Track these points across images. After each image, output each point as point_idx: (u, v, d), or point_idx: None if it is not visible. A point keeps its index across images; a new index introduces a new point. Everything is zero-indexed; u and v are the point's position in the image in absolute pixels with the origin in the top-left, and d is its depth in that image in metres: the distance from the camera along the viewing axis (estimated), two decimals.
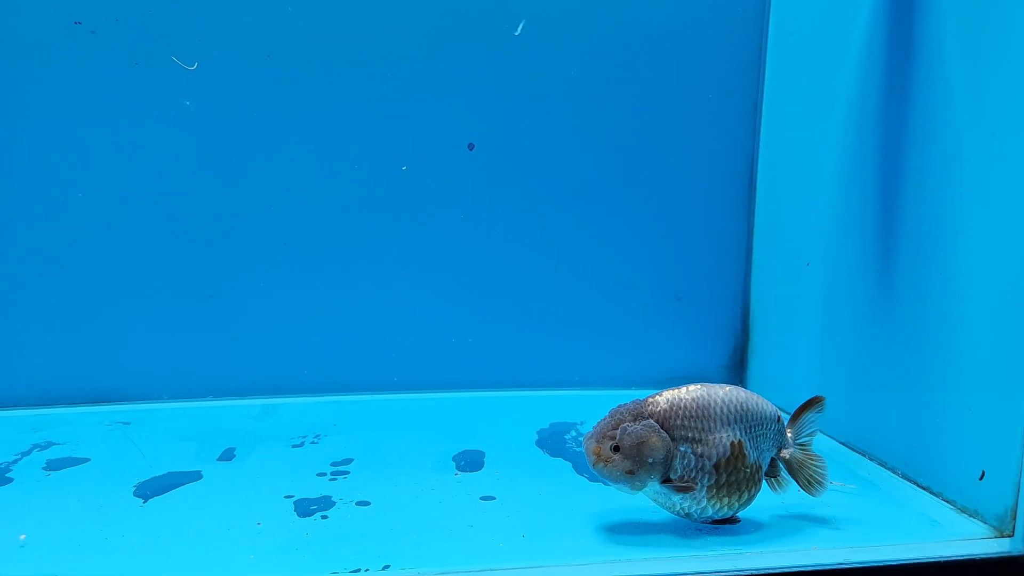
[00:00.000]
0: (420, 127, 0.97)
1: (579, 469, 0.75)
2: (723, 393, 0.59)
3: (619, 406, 0.60)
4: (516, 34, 0.81)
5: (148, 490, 0.68)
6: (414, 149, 0.97)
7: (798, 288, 0.92)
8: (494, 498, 0.67)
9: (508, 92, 0.98)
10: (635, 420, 0.58)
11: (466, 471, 0.73)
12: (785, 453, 0.63)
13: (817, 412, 0.64)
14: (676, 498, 0.58)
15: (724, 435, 0.58)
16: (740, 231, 1.04)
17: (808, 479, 0.63)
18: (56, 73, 0.89)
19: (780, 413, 0.63)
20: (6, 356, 0.91)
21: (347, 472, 0.73)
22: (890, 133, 0.76)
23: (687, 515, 0.60)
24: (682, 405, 0.58)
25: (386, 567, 0.54)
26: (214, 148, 0.93)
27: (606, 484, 0.59)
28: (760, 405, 0.61)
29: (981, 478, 0.63)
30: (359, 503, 0.65)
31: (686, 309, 1.04)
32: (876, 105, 0.78)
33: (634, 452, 0.57)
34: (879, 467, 0.75)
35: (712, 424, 0.58)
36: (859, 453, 0.79)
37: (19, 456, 0.76)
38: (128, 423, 0.88)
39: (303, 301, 0.97)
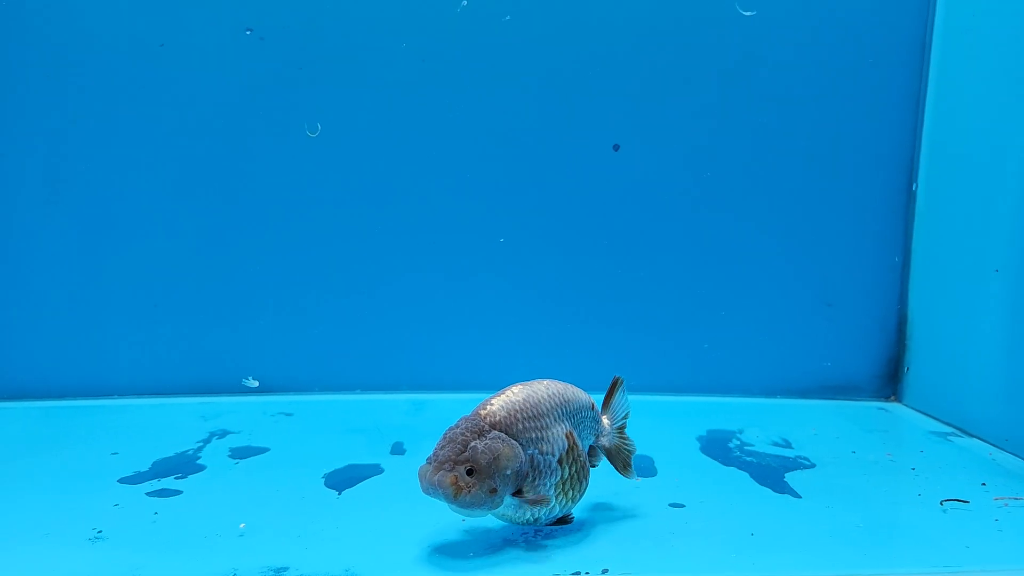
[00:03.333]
0: (565, 128, 0.97)
1: (759, 479, 0.73)
2: (544, 388, 0.58)
3: (451, 428, 0.55)
4: (746, 15, 0.79)
5: (337, 481, 0.69)
6: (559, 150, 0.97)
7: (977, 295, 0.88)
8: (684, 505, 0.66)
9: (653, 91, 0.97)
10: (479, 436, 0.54)
11: (643, 476, 0.73)
12: (604, 440, 0.63)
13: (622, 393, 0.65)
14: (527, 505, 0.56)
15: (559, 429, 0.57)
16: (897, 233, 1.01)
17: (624, 463, 0.64)
18: (227, 77, 0.92)
19: (592, 401, 0.62)
20: (175, 346, 0.94)
21: None
22: None
23: (535, 520, 0.57)
24: (517, 408, 0.56)
25: (605, 571, 0.54)
26: (366, 150, 0.95)
27: (462, 514, 0.55)
28: (577, 394, 0.61)
29: None
30: None
31: (837, 315, 1.01)
32: None
33: (492, 469, 0.53)
34: None
35: (547, 421, 0.57)
36: None
37: (201, 444, 0.78)
38: (290, 414, 0.89)
39: (450, 300, 0.98)
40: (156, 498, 0.64)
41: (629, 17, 0.95)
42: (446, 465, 0.53)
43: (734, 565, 0.55)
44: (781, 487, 0.71)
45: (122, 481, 0.68)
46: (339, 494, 0.66)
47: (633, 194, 0.99)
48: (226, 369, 0.95)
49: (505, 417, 0.55)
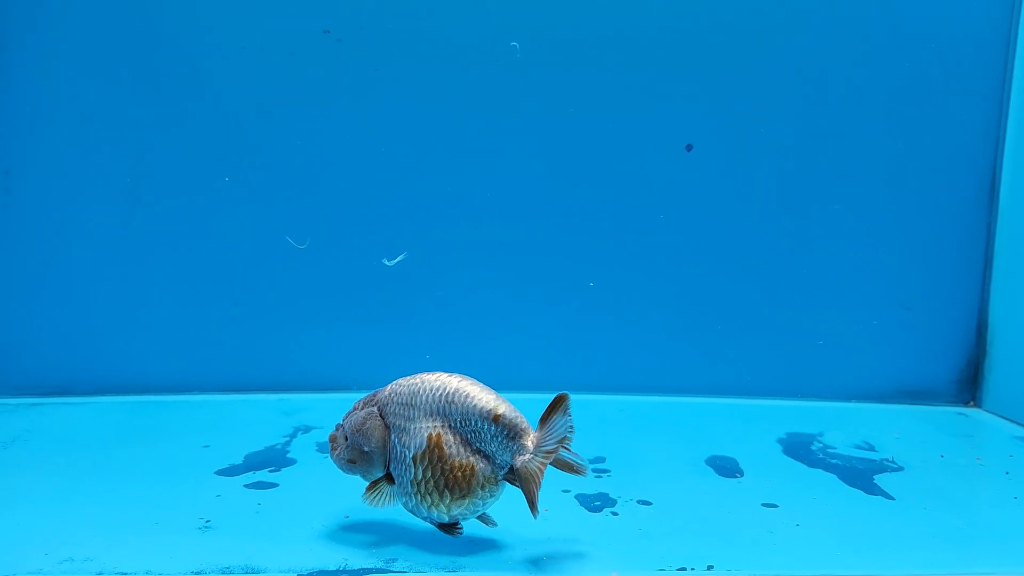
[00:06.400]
0: (638, 128, 0.96)
1: (848, 481, 0.72)
2: (438, 382, 0.54)
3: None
4: None
5: None
6: (632, 150, 0.97)
7: None
8: (776, 505, 0.66)
9: (728, 92, 0.96)
10: (363, 407, 0.55)
11: (729, 477, 0.72)
12: (518, 461, 0.53)
13: (562, 415, 0.52)
14: (400, 494, 0.54)
15: (424, 426, 0.53)
16: (978, 237, 0.99)
17: (530, 495, 0.52)
18: (306, 77, 0.93)
19: (500, 412, 0.53)
20: (256, 344, 0.96)
21: (608, 470, 0.73)
22: None
23: (414, 513, 0.55)
24: (399, 392, 0.55)
25: (710, 567, 0.54)
26: (436, 155, 0.96)
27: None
28: (468, 399, 0.53)
29: None
30: (640, 502, 0.65)
31: (915, 319, 1.00)
32: None
33: (354, 440, 0.55)
34: None
35: (416, 413, 0.53)
36: None
37: (287, 438, 0.80)
38: None
39: (513, 303, 0.98)
40: (255, 490, 0.66)
41: (711, 17, 0.95)
42: (340, 423, 0.57)
43: (839, 562, 0.55)
44: (872, 489, 0.70)
45: (219, 473, 0.70)
46: None
47: (706, 195, 0.98)
48: (303, 366, 0.97)
49: (384, 398, 0.56)
